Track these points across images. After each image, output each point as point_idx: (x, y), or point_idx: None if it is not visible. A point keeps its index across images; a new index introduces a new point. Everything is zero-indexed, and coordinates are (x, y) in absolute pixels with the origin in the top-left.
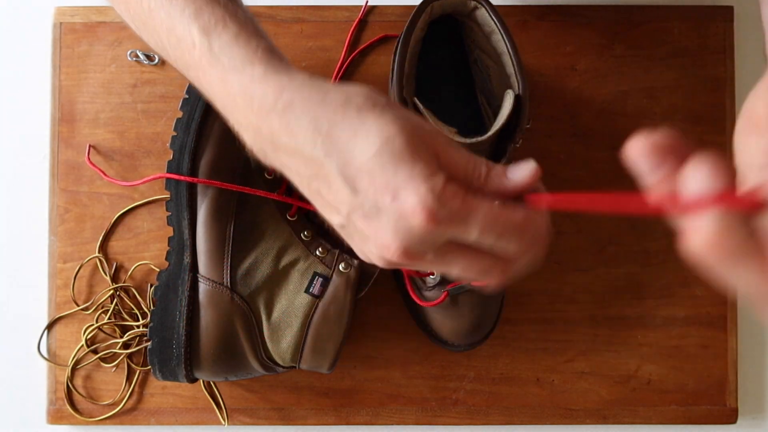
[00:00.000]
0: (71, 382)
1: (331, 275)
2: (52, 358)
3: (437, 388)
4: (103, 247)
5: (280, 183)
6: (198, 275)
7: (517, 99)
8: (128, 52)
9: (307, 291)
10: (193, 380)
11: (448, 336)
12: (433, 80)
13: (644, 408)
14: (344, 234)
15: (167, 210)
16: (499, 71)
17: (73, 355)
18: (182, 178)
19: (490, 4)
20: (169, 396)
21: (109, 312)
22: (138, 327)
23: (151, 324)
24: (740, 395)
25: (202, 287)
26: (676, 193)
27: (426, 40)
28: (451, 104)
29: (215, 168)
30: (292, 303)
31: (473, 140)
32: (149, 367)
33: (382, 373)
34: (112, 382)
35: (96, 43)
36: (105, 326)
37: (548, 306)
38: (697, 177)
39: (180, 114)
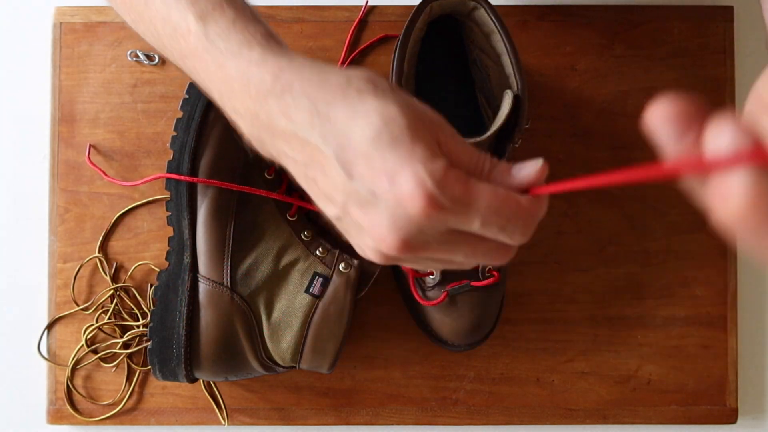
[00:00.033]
0: (71, 382)
1: (331, 275)
2: (52, 358)
3: (437, 388)
4: (103, 247)
5: (280, 183)
6: (198, 275)
7: (516, 99)
8: (128, 52)
9: (307, 291)
10: (193, 380)
11: (447, 336)
12: (433, 80)
13: (644, 408)
14: (341, 228)
15: (167, 210)
16: (498, 71)
17: (73, 355)
18: (182, 178)
19: (489, 4)
20: (169, 396)
21: (109, 312)
22: (138, 327)
23: (151, 324)
24: (740, 395)
25: (202, 287)
26: (700, 154)
27: (425, 40)
28: (451, 104)
29: (215, 168)
30: (292, 303)
31: (472, 140)
32: (149, 367)
33: (382, 373)
34: (112, 382)
35: (96, 43)
36: (105, 326)
37: (548, 306)
38: (724, 133)
39: (180, 114)
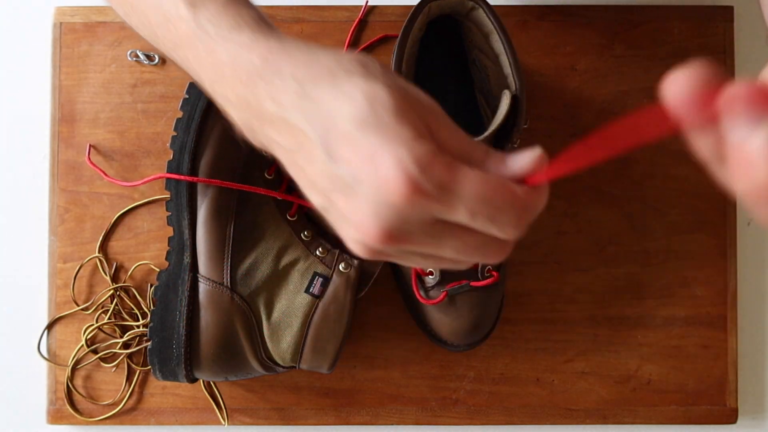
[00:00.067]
0: (71, 382)
1: (331, 275)
2: (52, 358)
3: (437, 388)
4: (103, 247)
5: (280, 183)
6: (198, 275)
7: (514, 99)
8: (128, 52)
9: (307, 291)
10: (193, 380)
11: (447, 336)
12: (433, 80)
13: (644, 408)
14: (329, 219)
15: (167, 210)
16: (497, 71)
17: (73, 355)
18: (182, 177)
19: (487, 4)
20: (169, 396)
21: (109, 312)
22: (138, 327)
23: (151, 324)
24: (740, 395)
25: (202, 287)
26: (712, 94)
27: (425, 41)
28: (450, 104)
29: (215, 168)
30: (292, 303)
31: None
32: (149, 367)
33: (382, 373)
34: (112, 382)
35: (96, 43)
36: (105, 326)
37: (548, 306)
38: (738, 88)
39: (180, 114)
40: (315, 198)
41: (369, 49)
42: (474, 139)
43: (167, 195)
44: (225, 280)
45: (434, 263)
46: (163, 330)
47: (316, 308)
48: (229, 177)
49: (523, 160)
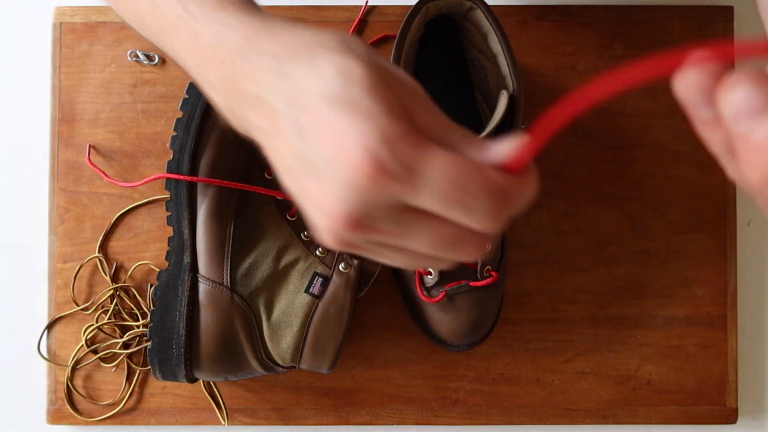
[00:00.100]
0: (71, 382)
1: (331, 275)
2: (52, 358)
3: (437, 388)
4: (103, 247)
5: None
6: (198, 275)
7: (512, 99)
8: (128, 52)
9: (307, 291)
10: (193, 380)
11: (446, 336)
12: (431, 80)
13: (644, 408)
14: (301, 205)
15: (167, 210)
16: (495, 71)
17: (73, 355)
18: (182, 177)
19: (485, 4)
20: (169, 396)
21: (109, 312)
22: (138, 327)
23: (151, 324)
24: (740, 395)
25: (202, 287)
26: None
27: (423, 41)
28: (449, 104)
29: (215, 168)
30: (292, 303)
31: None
32: (149, 367)
33: (382, 373)
34: (112, 382)
35: (96, 43)
36: (105, 326)
37: (548, 306)
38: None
39: (180, 114)
40: (288, 183)
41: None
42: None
43: (167, 195)
44: (225, 280)
45: (405, 259)
46: (163, 330)
47: (316, 308)
48: (229, 177)
49: (505, 148)
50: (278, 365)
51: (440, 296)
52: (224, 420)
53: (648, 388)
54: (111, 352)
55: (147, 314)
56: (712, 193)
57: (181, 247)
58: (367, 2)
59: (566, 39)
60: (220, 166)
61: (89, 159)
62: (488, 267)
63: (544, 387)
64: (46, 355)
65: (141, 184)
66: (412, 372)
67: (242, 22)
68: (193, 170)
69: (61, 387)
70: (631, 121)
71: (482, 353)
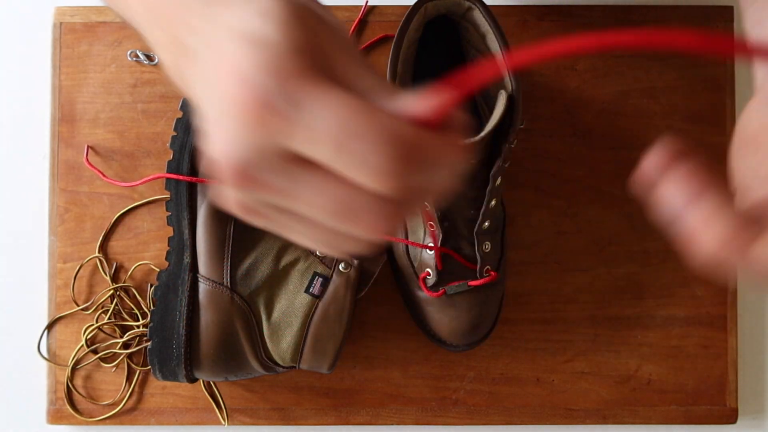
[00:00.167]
0: (71, 382)
1: (331, 275)
2: (52, 358)
3: (437, 388)
4: (103, 247)
5: None
6: (198, 275)
7: (510, 99)
8: (128, 52)
9: (307, 291)
10: (193, 380)
11: (446, 336)
12: (431, 80)
13: (644, 408)
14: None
15: (167, 210)
16: None
17: (73, 355)
18: (182, 177)
19: (483, 4)
20: (169, 396)
21: (109, 312)
22: (138, 327)
23: (151, 324)
24: (740, 395)
25: (202, 287)
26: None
27: (422, 41)
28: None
29: None
30: (292, 303)
31: (467, 140)
32: (149, 367)
33: (382, 373)
34: (112, 382)
35: (96, 43)
36: (105, 326)
37: (548, 306)
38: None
39: (180, 114)
40: (206, 143)
41: (369, 49)
42: (471, 139)
43: (167, 195)
44: (225, 280)
45: (304, 230)
46: (163, 330)
47: (316, 308)
48: None
49: (419, 95)
50: (278, 365)
51: (440, 292)
52: (224, 420)
53: (648, 388)
54: (111, 352)
55: (147, 314)
56: None
57: (181, 247)
58: (367, 2)
59: None
60: None
61: (87, 159)
62: (488, 267)
63: (544, 387)
64: (46, 355)
65: (140, 184)
66: (412, 372)
67: None
68: (193, 170)
69: (61, 387)
70: (631, 121)
71: (482, 353)
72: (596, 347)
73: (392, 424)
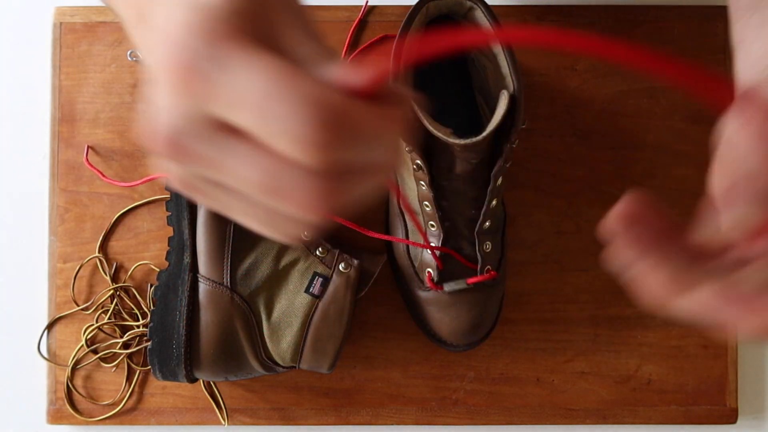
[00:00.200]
0: (71, 382)
1: (331, 275)
2: (52, 358)
3: (437, 388)
4: (103, 247)
5: None
6: (198, 275)
7: (512, 99)
8: (128, 52)
9: (307, 291)
10: (193, 380)
11: (446, 336)
12: (432, 80)
13: (644, 408)
14: None
15: (167, 210)
16: (495, 71)
17: (73, 355)
18: None
19: (485, 4)
20: (169, 396)
21: (109, 312)
22: (138, 327)
23: (151, 324)
24: (740, 395)
25: (202, 287)
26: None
27: None
28: (450, 104)
29: None
30: (292, 303)
31: (469, 140)
32: (149, 367)
33: (382, 373)
34: (112, 382)
35: (96, 43)
36: (105, 326)
37: (548, 306)
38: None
39: None
40: (144, 117)
41: (369, 49)
42: (472, 139)
43: (167, 195)
44: (225, 280)
45: (239, 207)
46: (163, 330)
47: (316, 308)
48: None
49: (350, 66)
50: (278, 365)
51: (439, 288)
52: (224, 420)
53: (648, 388)
54: (111, 352)
55: (147, 314)
56: None
57: (181, 247)
58: (367, 2)
59: None
60: None
61: (87, 159)
62: (488, 267)
63: (544, 387)
64: (46, 355)
65: (140, 184)
66: (412, 372)
67: None
68: None
69: (61, 387)
70: (631, 121)
71: (482, 353)
72: (596, 347)
73: (392, 424)
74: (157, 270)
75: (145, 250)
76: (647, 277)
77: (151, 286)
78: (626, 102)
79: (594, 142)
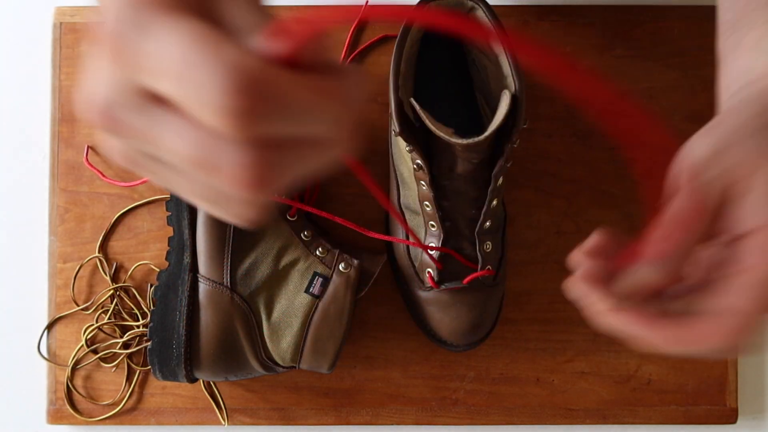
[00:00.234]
0: (71, 382)
1: (331, 275)
2: (52, 358)
3: (437, 388)
4: (103, 247)
5: None
6: (198, 275)
7: (514, 99)
8: None
9: (307, 291)
10: (193, 380)
11: (446, 336)
12: (433, 80)
13: (644, 408)
14: None
15: (167, 210)
16: (496, 71)
17: (73, 355)
18: None
19: (486, 4)
20: (169, 396)
21: (109, 312)
22: (138, 327)
23: (151, 324)
24: (740, 395)
25: (202, 287)
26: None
27: (425, 41)
28: (451, 104)
29: None
30: (292, 303)
31: (470, 140)
32: (149, 367)
33: (382, 373)
34: (112, 382)
35: None
36: (105, 326)
37: (548, 306)
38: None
39: None
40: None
41: (369, 49)
42: (474, 139)
43: (167, 195)
44: (225, 280)
45: (176, 180)
46: (163, 330)
47: (316, 308)
48: None
49: (274, 34)
50: (278, 365)
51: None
52: (224, 420)
53: (648, 388)
54: (111, 352)
55: (147, 314)
56: None
57: (181, 247)
58: (367, 2)
59: (566, 39)
60: None
61: (87, 159)
62: (489, 267)
63: (544, 387)
64: (46, 355)
65: (140, 184)
66: (412, 372)
67: None
68: None
69: (61, 387)
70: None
71: (482, 353)
72: (596, 347)
73: (392, 424)
74: (157, 270)
75: (145, 250)
76: (592, 308)
77: (151, 286)
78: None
79: (594, 142)
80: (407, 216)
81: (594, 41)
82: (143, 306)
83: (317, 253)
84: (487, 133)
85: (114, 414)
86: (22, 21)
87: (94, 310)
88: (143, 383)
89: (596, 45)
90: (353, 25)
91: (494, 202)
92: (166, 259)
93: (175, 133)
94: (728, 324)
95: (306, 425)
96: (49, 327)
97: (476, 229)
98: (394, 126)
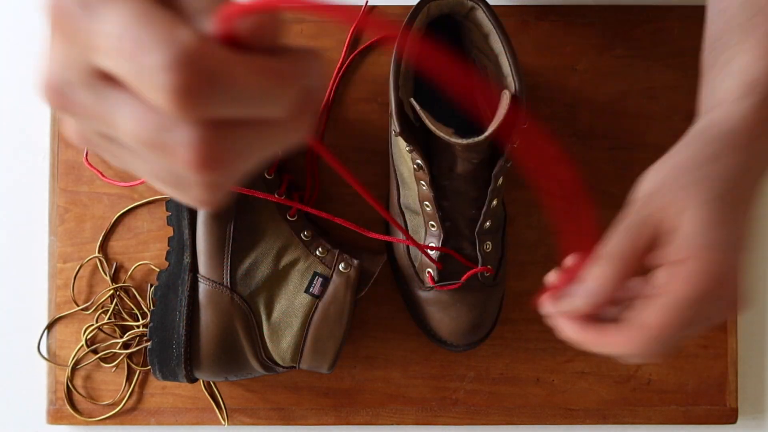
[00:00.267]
0: (71, 382)
1: (331, 275)
2: (52, 358)
3: (437, 388)
4: (103, 247)
5: (280, 183)
6: (198, 275)
7: (514, 99)
8: None
9: (307, 291)
10: (193, 380)
11: (446, 336)
12: (433, 80)
13: (644, 408)
14: None
15: (167, 210)
16: (496, 71)
17: (73, 355)
18: None
19: (486, 4)
20: (169, 396)
21: (109, 312)
22: (138, 327)
23: (151, 324)
24: (740, 395)
25: (202, 287)
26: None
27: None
28: (451, 104)
29: None
30: (292, 303)
31: (471, 140)
32: (149, 367)
33: (382, 373)
34: (112, 382)
35: None
36: (105, 326)
37: None
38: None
39: None
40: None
41: (369, 49)
42: (474, 139)
43: (167, 195)
44: (225, 280)
45: (133, 161)
46: (163, 330)
47: (316, 308)
48: None
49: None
50: (278, 365)
51: (437, 286)
52: (224, 420)
53: (648, 388)
54: (111, 352)
55: (147, 314)
56: None
57: (181, 247)
58: (367, 2)
59: (566, 39)
60: None
61: (87, 159)
62: (489, 267)
63: (544, 387)
64: (46, 355)
65: (140, 184)
66: (412, 372)
67: None
68: None
69: (61, 387)
70: (631, 121)
71: (482, 353)
72: None
73: (392, 424)
74: (157, 270)
75: (145, 250)
76: (558, 325)
77: (151, 286)
78: (626, 102)
79: (594, 142)
80: (407, 216)
81: (594, 41)
82: (143, 306)
83: (317, 253)
84: (487, 133)
85: (114, 414)
86: (22, 21)
87: (94, 310)
88: (143, 383)
89: (596, 45)
90: (353, 25)
91: (494, 202)
92: (166, 259)
93: (126, 113)
94: (637, 335)
95: (306, 425)
96: (49, 327)
97: (476, 229)
98: (394, 126)
